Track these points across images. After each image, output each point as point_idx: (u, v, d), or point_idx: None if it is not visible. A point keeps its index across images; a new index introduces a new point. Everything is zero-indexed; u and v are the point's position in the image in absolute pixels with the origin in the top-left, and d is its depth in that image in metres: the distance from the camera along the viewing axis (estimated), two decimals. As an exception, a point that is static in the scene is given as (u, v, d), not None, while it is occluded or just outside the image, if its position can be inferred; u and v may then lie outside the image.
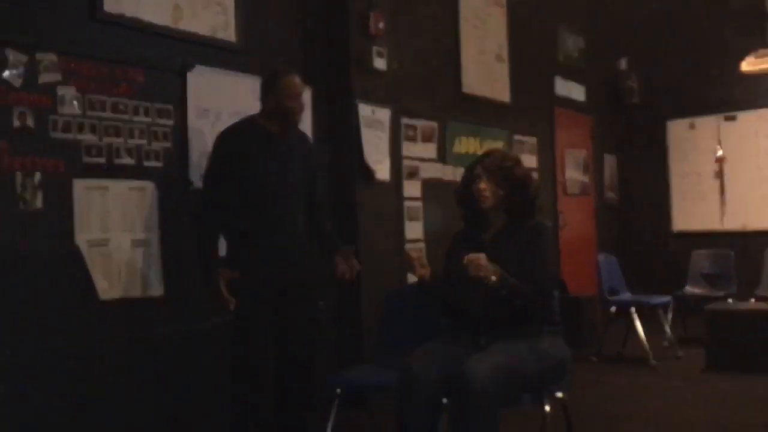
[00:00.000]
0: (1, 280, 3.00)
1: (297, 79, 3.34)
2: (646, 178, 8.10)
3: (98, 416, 3.26)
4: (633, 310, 5.58)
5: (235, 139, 3.30)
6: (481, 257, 2.62)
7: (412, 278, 3.07)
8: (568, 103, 7.23)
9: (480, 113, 5.80)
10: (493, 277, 2.63)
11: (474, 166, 2.94)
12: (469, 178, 2.93)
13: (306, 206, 3.41)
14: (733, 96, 7.50)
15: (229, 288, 3.12)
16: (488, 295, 2.70)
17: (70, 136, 3.23)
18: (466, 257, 2.64)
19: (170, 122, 3.64)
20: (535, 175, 3.66)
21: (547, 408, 2.72)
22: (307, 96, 4.33)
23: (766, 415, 4.09)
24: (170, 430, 3.57)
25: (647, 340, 5.47)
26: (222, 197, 3.24)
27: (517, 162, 2.96)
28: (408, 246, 4.83)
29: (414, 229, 4.99)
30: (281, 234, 3.27)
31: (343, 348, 4.54)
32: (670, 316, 5.95)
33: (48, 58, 3.17)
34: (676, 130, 7.93)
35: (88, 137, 3.29)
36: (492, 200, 2.86)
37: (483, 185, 2.85)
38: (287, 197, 3.31)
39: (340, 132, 4.61)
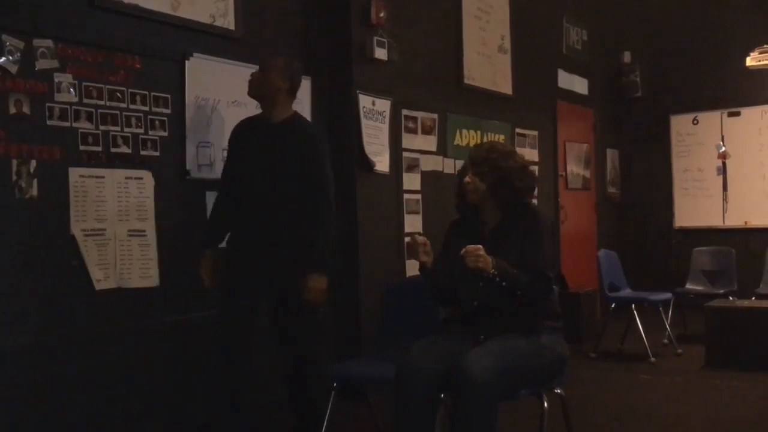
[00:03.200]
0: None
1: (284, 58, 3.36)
2: (648, 174, 8.06)
3: (93, 406, 3.25)
4: (633, 306, 5.56)
5: (235, 131, 3.41)
6: (480, 249, 2.60)
7: (411, 266, 3.04)
8: (571, 96, 7.19)
9: (481, 105, 5.76)
10: (493, 270, 2.60)
11: (467, 159, 2.91)
12: (462, 173, 2.88)
13: (301, 197, 3.27)
14: (737, 91, 7.45)
15: (213, 270, 3.30)
16: (487, 287, 2.67)
17: (66, 123, 3.20)
18: (464, 249, 2.61)
19: (168, 111, 3.60)
20: (534, 168, 3.57)
21: (546, 403, 2.70)
22: (306, 86, 4.32)
23: (765, 412, 4.07)
24: (165, 420, 3.55)
25: (647, 337, 5.44)
26: (225, 189, 3.38)
27: (506, 154, 2.83)
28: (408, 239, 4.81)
29: (413, 222, 4.96)
30: (253, 226, 3.24)
31: (342, 341, 4.52)
32: (670, 313, 5.92)
33: (45, 44, 3.13)
34: (679, 125, 7.89)
35: (84, 125, 3.26)
36: (474, 194, 2.81)
37: (468, 179, 2.81)
38: (260, 189, 3.21)
39: (340, 123, 4.57)
